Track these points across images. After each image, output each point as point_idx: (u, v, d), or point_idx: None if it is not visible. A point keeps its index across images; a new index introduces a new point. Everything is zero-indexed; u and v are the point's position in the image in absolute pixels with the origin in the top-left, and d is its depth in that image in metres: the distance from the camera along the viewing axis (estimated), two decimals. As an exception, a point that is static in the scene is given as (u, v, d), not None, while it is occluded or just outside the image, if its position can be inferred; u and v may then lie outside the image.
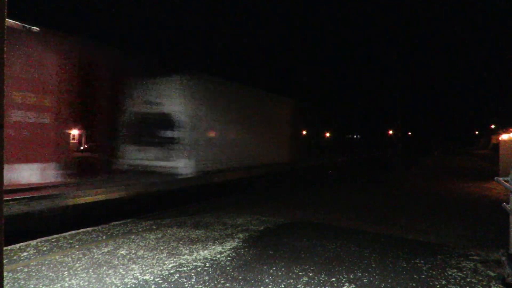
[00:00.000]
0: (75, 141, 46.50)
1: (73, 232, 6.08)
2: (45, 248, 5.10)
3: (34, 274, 4.08)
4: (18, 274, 4.06)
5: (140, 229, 6.26)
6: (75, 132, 45.76)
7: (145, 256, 4.77)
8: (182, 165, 9.42)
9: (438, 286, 3.83)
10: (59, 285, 3.77)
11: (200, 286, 3.75)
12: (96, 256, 4.73)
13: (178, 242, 5.44)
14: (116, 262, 4.50)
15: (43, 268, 4.28)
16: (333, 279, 3.99)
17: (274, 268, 4.30)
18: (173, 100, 9.50)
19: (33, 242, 5.40)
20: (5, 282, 3.47)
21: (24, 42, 5.14)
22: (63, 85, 6.30)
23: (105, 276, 4.04)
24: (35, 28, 1.62)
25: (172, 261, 4.55)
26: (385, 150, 55.19)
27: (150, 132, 9.81)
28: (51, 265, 4.37)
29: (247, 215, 7.52)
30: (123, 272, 4.15)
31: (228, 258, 4.67)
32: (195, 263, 4.48)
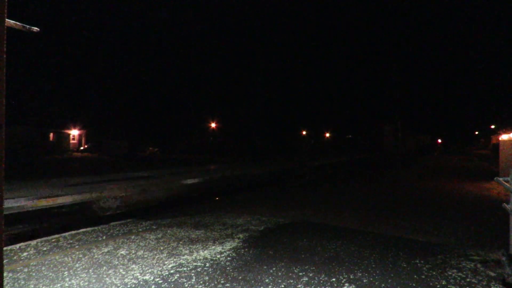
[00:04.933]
0: (75, 141, 46.49)
1: (73, 232, 6.09)
2: (45, 248, 5.09)
3: (34, 274, 4.08)
4: (18, 274, 4.06)
5: (140, 229, 6.26)
6: (75, 132, 45.72)
7: (145, 256, 4.77)
8: None
9: (438, 286, 3.83)
10: (59, 285, 3.77)
11: (200, 286, 3.75)
12: (96, 256, 4.73)
13: (178, 242, 5.44)
14: (116, 262, 4.50)
15: (43, 268, 4.28)
16: (333, 279, 3.99)
17: (274, 268, 4.30)
18: None
19: (33, 242, 5.40)
20: (5, 282, 3.47)
21: None
22: None
23: (105, 276, 4.04)
24: (35, 28, 1.61)
25: (172, 261, 4.55)
26: (386, 150, 55.60)
27: None
28: (51, 265, 4.37)
29: (247, 215, 7.52)
30: (123, 272, 4.15)
31: (228, 258, 4.67)
32: (195, 263, 4.48)
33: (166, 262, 4.51)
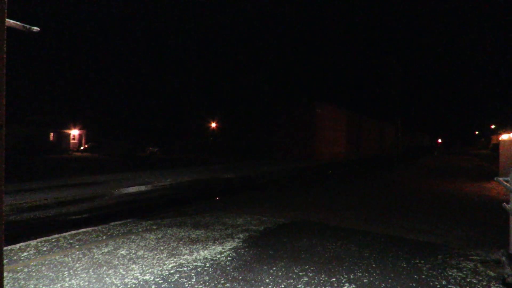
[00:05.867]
0: (75, 141, 46.47)
1: (73, 232, 6.09)
2: (45, 248, 5.10)
3: (34, 274, 4.08)
4: (18, 274, 4.06)
5: (140, 229, 6.26)
6: (75, 132, 45.81)
7: (145, 256, 4.77)
8: None
9: (438, 286, 3.83)
10: (59, 285, 3.77)
11: (200, 286, 3.75)
12: (96, 256, 4.73)
13: (178, 242, 5.44)
14: (116, 262, 4.50)
15: (43, 268, 4.28)
16: (333, 279, 3.99)
17: (274, 268, 4.30)
18: None
19: (33, 242, 5.40)
20: (5, 282, 3.47)
21: None
22: None
23: (105, 276, 4.04)
24: (35, 28, 1.61)
25: (172, 261, 4.55)
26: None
27: None
28: (51, 265, 4.37)
29: (247, 215, 7.52)
30: (123, 272, 4.15)
31: (228, 258, 4.67)
32: (195, 263, 4.48)
33: (166, 262, 4.51)
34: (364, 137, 46.38)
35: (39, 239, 5.57)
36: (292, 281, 3.92)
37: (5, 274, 3.69)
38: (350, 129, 41.62)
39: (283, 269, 4.27)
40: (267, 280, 3.92)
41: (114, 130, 44.94)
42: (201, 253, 4.91)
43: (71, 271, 4.18)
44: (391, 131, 58.27)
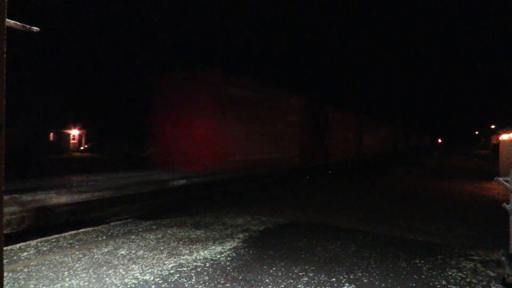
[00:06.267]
0: (75, 141, 46.39)
1: (73, 232, 6.09)
2: (45, 248, 5.10)
3: (34, 274, 4.08)
4: (18, 274, 4.06)
5: (140, 229, 6.26)
6: (75, 132, 45.65)
7: (145, 256, 4.77)
8: None
9: (438, 286, 3.83)
10: (59, 285, 3.77)
11: (200, 286, 3.75)
12: (96, 256, 4.73)
13: (178, 242, 5.44)
14: (116, 262, 4.50)
15: (43, 268, 4.29)
16: (333, 279, 3.99)
17: (274, 268, 4.30)
18: None
19: (33, 242, 5.40)
20: (5, 282, 3.47)
21: None
22: None
23: (105, 276, 4.04)
24: (35, 28, 1.62)
25: (172, 261, 4.55)
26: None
27: None
28: (51, 265, 4.37)
29: (247, 215, 7.52)
30: (123, 272, 4.15)
31: (228, 258, 4.67)
32: (195, 263, 4.48)
33: (166, 262, 4.51)
34: (332, 135, 30.59)
35: (39, 239, 5.57)
36: (292, 281, 3.92)
37: (5, 274, 3.69)
38: (308, 123, 26.19)
39: (283, 269, 4.27)
40: (267, 280, 3.92)
41: (114, 130, 44.93)
42: (201, 253, 4.91)
43: (71, 271, 4.19)
44: (374, 127, 44.18)
